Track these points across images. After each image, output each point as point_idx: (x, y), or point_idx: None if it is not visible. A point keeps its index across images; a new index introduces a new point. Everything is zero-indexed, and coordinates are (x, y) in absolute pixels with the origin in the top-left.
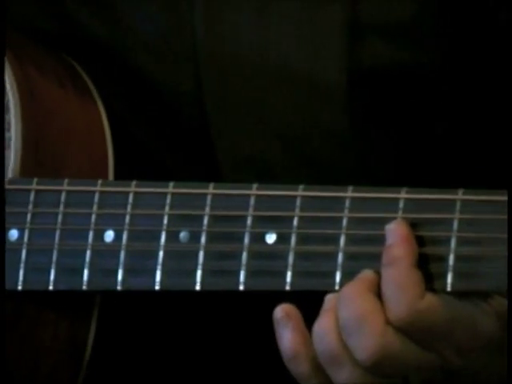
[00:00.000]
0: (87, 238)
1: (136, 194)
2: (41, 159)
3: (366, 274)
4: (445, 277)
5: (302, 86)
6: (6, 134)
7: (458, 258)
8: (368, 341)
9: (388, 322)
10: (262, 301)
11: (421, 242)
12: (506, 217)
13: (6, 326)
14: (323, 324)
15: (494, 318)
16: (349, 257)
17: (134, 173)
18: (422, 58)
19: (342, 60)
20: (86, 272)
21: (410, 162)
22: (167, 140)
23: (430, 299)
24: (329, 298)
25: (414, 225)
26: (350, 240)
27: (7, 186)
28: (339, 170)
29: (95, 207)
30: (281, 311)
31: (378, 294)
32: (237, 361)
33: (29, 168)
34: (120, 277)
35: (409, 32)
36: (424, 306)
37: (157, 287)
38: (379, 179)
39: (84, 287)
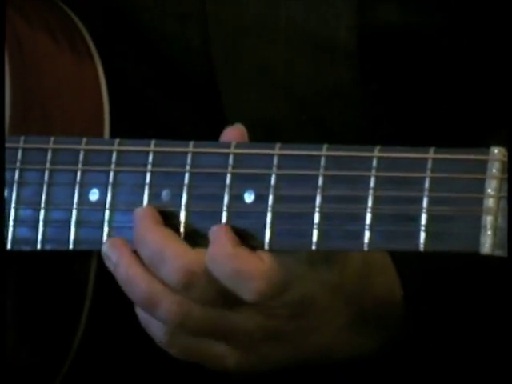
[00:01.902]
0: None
1: (119, 152)
2: (30, 115)
3: (146, 211)
4: (417, 237)
5: (312, 46)
6: None
7: (430, 218)
8: (174, 263)
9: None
10: None
11: (393, 200)
12: (478, 176)
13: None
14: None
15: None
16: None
17: (139, 131)
18: (434, 21)
19: (352, 19)
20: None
21: (421, 122)
22: (174, 98)
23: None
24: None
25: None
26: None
27: None
28: (349, 131)
29: (80, 165)
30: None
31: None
32: None
33: (18, 124)
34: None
35: None
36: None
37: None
38: (389, 139)
39: (70, 246)
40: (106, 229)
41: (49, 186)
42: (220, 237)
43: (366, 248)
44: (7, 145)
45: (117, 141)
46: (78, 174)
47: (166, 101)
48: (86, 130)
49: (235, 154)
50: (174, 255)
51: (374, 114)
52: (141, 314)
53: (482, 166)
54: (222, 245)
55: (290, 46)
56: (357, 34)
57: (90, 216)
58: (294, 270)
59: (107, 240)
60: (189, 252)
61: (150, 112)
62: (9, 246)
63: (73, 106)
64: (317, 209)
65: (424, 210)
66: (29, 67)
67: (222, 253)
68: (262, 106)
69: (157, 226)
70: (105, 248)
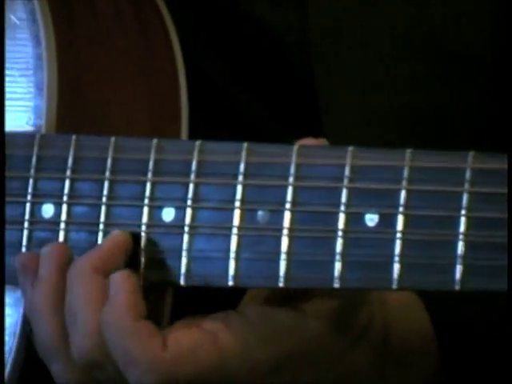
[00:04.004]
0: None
1: (200, 159)
2: (80, 104)
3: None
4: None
5: (440, 59)
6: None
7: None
8: (83, 338)
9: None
10: None
11: None
12: None
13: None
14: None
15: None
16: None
17: (220, 131)
18: None
19: (488, 32)
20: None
21: None
22: (262, 95)
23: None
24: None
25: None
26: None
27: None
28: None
29: (150, 175)
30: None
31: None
32: None
33: (65, 117)
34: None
35: None
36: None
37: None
38: None
39: None
40: (184, 259)
41: (109, 200)
42: (120, 298)
43: None
44: (55, 147)
45: (197, 144)
46: (148, 186)
47: (252, 98)
48: (155, 127)
49: (353, 165)
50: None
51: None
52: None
53: None
54: (120, 311)
55: (400, 57)
56: (492, 48)
57: (163, 240)
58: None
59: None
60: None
61: (233, 110)
62: None
63: (138, 96)
64: (460, 236)
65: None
66: (79, 47)
67: (117, 323)
68: (364, 112)
69: (87, 277)
70: (44, 250)
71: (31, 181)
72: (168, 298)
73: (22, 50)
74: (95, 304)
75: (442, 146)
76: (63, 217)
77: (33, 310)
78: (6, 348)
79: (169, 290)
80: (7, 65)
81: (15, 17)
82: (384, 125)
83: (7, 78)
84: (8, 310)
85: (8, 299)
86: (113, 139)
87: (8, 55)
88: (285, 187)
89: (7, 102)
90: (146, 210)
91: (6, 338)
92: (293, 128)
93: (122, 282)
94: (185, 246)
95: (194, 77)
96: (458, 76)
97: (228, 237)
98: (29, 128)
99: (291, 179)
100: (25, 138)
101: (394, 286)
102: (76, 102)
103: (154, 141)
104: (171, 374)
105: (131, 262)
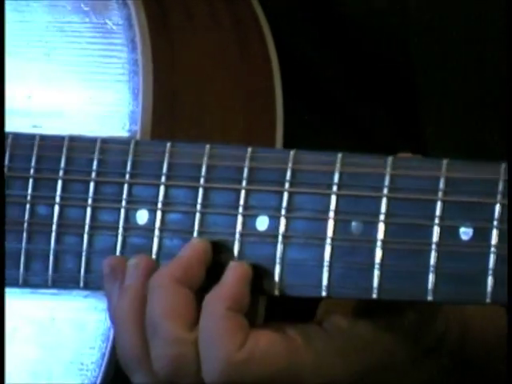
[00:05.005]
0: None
1: (295, 167)
2: (175, 112)
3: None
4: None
5: None
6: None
7: None
8: (163, 349)
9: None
10: None
11: None
12: None
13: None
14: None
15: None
16: None
17: (319, 134)
18: None
19: None
20: None
21: None
22: (362, 94)
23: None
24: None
25: None
26: None
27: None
28: None
29: (244, 183)
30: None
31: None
32: None
33: (160, 123)
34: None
35: None
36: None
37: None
38: None
39: None
40: (277, 267)
41: (203, 208)
42: (227, 283)
43: None
44: (150, 154)
45: (291, 153)
46: (242, 194)
47: (353, 97)
48: (250, 133)
49: (448, 178)
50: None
51: None
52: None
53: None
54: (223, 296)
55: None
56: None
57: (258, 249)
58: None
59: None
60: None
61: (333, 109)
62: None
63: (233, 99)
64: None
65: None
66: (174, 49)
67: (214, 306)
68: (467, 121)
69: (166, 288)
70: (131, 261)
71: (126, 187)
72: (261, 309)
73: (117, 56)
74: (174, 315)
75: None
76: (157, 223)
77: (116, 320)
78: (99, 353)
79: (262, 300)
80: (100, 70)
81: (111, 22)
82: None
83: (101, 84)
84: (101, 316)
85: (102, 304)
86: (208, 146)
87: (102, 60)
88: (379, 198)
89: (102, 108)
90: (239, 218)
91: (100, 344)
92: (393, 131)
93: (235, 270)
94: (278, 254)
95: (295, 75)
96: None
97: (322, 247)
98: (124, 134)
99: (385, 190)
100: (120, 143)
101: (488, 300)
102: (171, 108)
103: (249, 149)
104: (238, 373)
105: (218, 270)
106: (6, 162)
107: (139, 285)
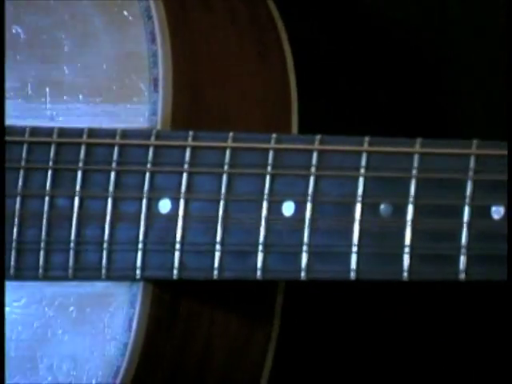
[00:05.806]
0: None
1: (321, 152)
2: (195, 102)
3: None
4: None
5: None
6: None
7: None
8: None
9: None
10: None
11: None
12: None
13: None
14: None
15: None
16: None
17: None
18: None
19: None
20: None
21: None
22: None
23: None
24: None
25: None
26: None
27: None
28: None
29: (269, 168)
30: None
31: None
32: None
33: (180, 112)
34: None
35: None
36: None
37: (352, 277)
38: None
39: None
40: (304, 254)
41: (227, 195)
42: None
43: None
44: (172, 141)
45: (317, 138)
46: (267, 181)
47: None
48: (268, 123)
49: (478, 155)
50: None
51: None
52: None
53: None
54: None
55: None
56: None
57: (283, 237)
58: None
59: None
60: None
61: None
62: (176, 274)
63: (251, 89)
64: None
65: None
66: (194, 41)
67: None
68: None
69: None
70: None
71: (148, 176)
72: (279, 297)
73: (136, 47)
74: None
75: None
76: (181, 212)
77: None
78: (121, 343)
79: (280, 287)
80: (118, 60)
81: (129, 13)
82: None
83: (120, 75)
84: (125, 306)
85: (123, 296)
86: (231, 134)
87: (119, 51)
88: (408, 179)
89: (123, 99)
90: (265, 204)
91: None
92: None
93: None
94: (305, 240)
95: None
96: None
97: (350, 231)
98: (144, 124)
99: (414, 171)
100: (141, 133)
101: None
102: (191, 98)
103: (273, 135)
104: None
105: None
106: (24, 155)
107: None
